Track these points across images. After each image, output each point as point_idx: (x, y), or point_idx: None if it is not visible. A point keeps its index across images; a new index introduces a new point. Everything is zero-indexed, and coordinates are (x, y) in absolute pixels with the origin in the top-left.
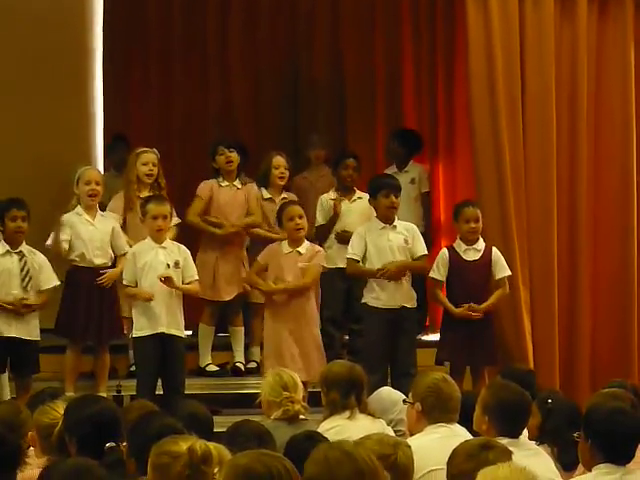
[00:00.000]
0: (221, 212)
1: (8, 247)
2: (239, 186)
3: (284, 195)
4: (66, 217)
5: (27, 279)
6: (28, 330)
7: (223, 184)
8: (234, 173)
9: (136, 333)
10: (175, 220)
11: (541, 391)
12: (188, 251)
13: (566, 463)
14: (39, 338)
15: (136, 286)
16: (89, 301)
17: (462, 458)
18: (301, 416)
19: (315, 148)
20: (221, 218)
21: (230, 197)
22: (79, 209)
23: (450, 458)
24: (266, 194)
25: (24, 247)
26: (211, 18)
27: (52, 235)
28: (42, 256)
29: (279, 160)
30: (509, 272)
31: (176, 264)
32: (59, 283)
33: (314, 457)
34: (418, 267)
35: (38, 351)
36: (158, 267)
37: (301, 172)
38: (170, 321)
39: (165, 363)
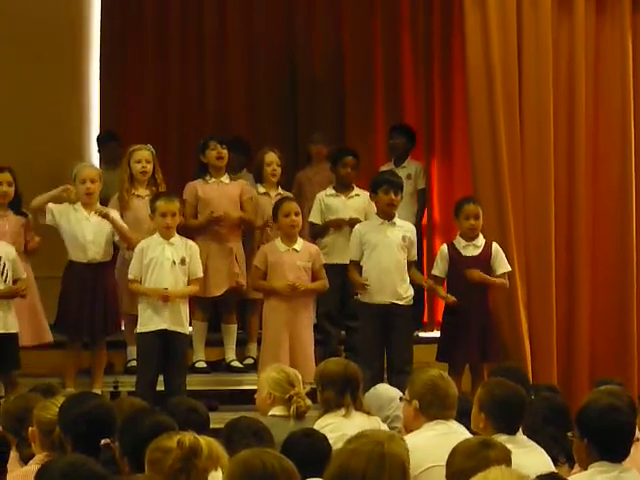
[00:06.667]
0: (209, 208)
1: None
2: (227, 181)
3: (279, 191)
4: (63, 207)
5: (5, 273)
6: (5, 323)
7: (210, 181)
8: (223, 169)
9: (139, 329)
10: None
11: (537, 386)
12: (196, 247)
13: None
14: (17, 330)
15: (141, 282)
16: (83, 296)
17: (462, 457)
18: None
19: (317, 144)
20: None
21: (217, 193)
22: (77, 205)
23: (450, 457)
24: (261, 189)
25: None
26: (208, 15)
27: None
28: (11, 247)
29: (271, 156)
30: (509, 268)
31: (182, 261)
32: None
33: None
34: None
35: (17, 344)
36: (164, 264)
37: (303, 168)
38: (173, 318)
39: (167, 360)
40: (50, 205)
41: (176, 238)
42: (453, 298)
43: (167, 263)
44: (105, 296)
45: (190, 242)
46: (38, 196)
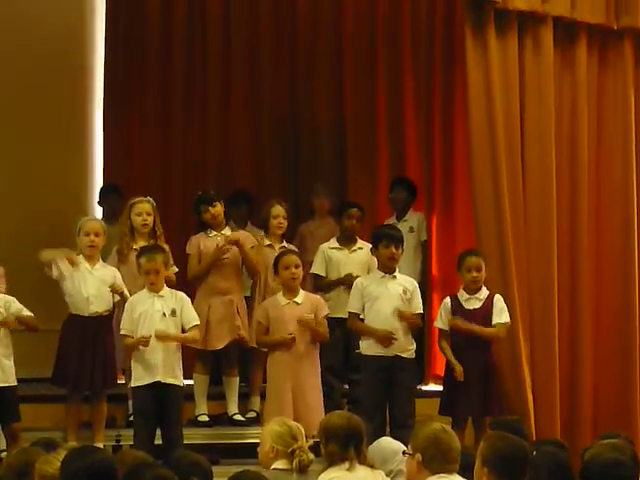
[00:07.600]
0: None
1: None
2: (228, 233)
3: (284, 244)
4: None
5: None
6: (4, 377)
7: (211, 234)
8: (222, 223)
9: (133, 383)
10: (173, 269)
11: (541, 440)
12: (186, 298)
13: None
14: (16, 383)
15: (134, 337)
16: (82, 350)
17: None
18: None
19: (319, 197)
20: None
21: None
22: (80, 258)
23: None
24: (267, 241)
25: None
26: (212, 66)
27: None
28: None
29: (278, 209)
30: (505, 320)
31: (172, 312)
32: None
33: None
34: (415, 325)
35: (16, 397)
36: (154, 316)
37: (306, 221)
38: (167, 370)
39: (163, 413)
40: (58, 260)
41: (165, 290)
42: (461, 372)
43: (157, 315)
44: (105, 350)
45: (180, 293)
46: (49, 250)
